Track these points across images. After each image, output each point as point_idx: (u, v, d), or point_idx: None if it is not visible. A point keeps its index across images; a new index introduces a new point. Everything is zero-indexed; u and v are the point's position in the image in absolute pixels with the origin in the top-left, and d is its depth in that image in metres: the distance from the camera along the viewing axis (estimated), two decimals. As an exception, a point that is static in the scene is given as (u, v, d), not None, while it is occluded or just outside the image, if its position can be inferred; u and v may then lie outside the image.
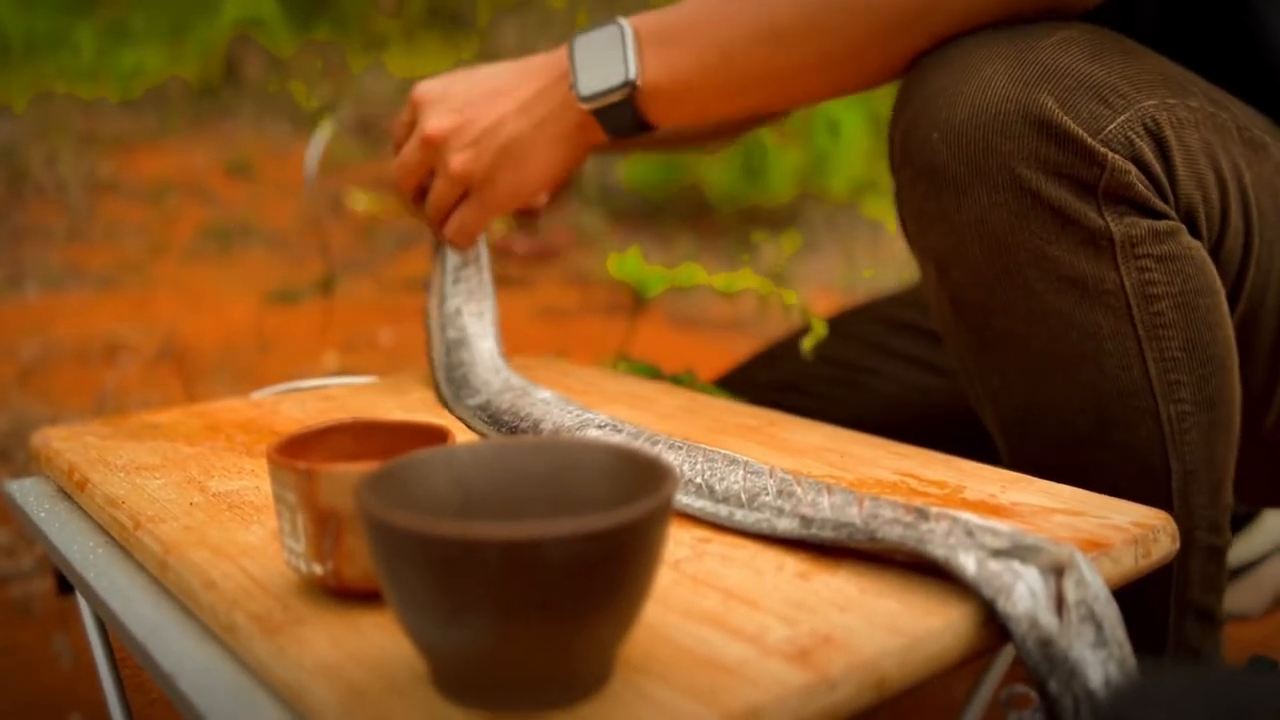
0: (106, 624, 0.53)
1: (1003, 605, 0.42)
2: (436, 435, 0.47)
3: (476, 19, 4.17)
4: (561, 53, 0.71)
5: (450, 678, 0.37)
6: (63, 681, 0.94)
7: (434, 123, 0.72)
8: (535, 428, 0.63)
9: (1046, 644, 0.41)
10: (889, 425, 0.75)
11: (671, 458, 0.56)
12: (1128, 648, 0.42)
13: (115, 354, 1.78)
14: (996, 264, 0.58)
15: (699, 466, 0.55)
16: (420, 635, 0.37)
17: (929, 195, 0.59)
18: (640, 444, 0.59)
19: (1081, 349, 0.58)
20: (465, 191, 0.75)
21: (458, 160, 0.72)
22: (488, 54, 3.83)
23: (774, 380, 0.95)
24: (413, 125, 0.76)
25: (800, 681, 0.38)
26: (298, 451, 0.47)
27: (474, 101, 0.72)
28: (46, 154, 2.95)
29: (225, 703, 0.42)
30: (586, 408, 0.66)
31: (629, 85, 0.67)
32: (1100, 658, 0.41)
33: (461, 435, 0.66)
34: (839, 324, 1.00)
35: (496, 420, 0.67)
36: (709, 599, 0.45)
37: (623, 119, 0.69)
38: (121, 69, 3.80)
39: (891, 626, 0.42)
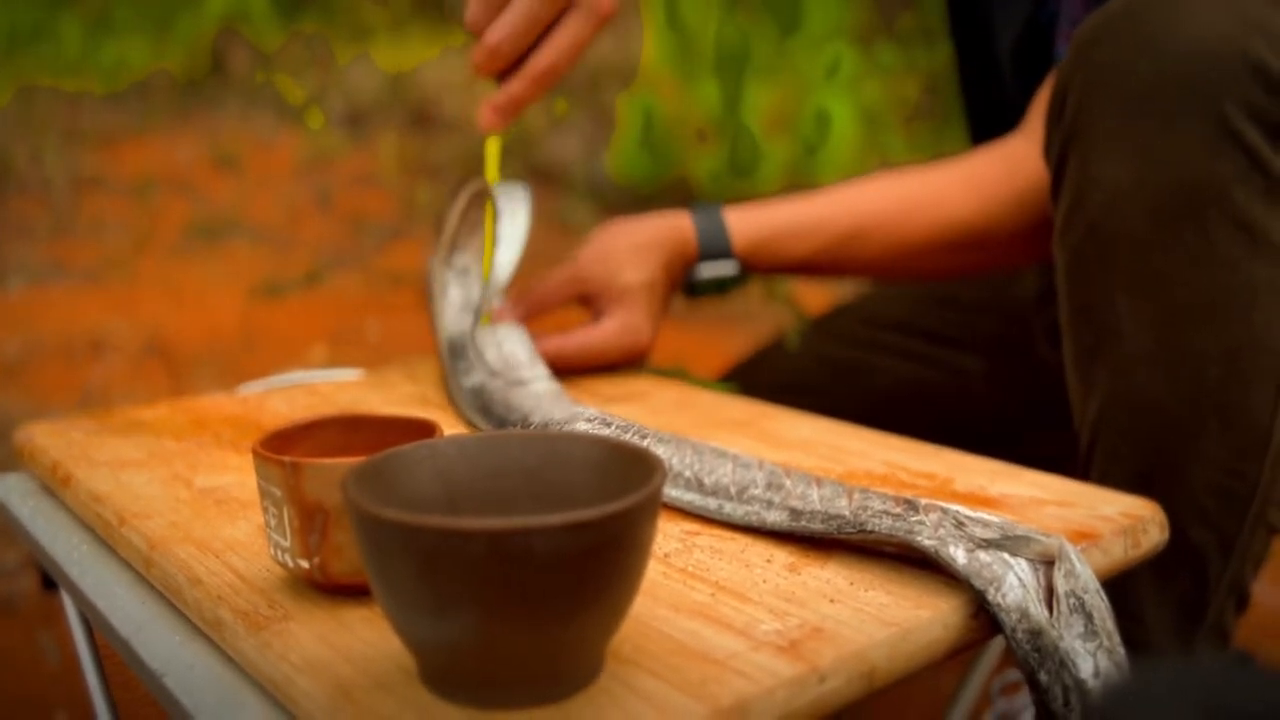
0: (91, 621, 0.53)
1: (993, 596, 0.42)
2: (423, 429, 0.47)
3: (463, 9, 4.15)
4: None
5: (438, 673, 0.37)
6: (48, 679, 0.93)
7: None
8: (525, 421, 0.63)
9: (1036, 635, 0.41)
10: (890, 420, 0.76)
11: (660, 451, 0.56)
12: (1117, 638, 0.42)
13: (100, 350, 1.77)
14: (1180, 197, 0.59)
15: (688, 459, 0.55)
16: (408, 630, 0.36)
17: (1125, 121, 0.60)
18: (629, 437, 0.59)
19: (1237, 298, 0.59)
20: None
21: None
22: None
23: (775, 381, 0.95)
24: None
25: (790, 674, 0.38)
26: (283, 446, 0.46)
27: None
28: (30, 149, 2.93)
29: (211, 699, 0.41)
30: (576, 401, 0.66)
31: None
32: (1090, 648, 0.41)
33: (450, 428, 0.66)
34: (831, 324, 1.00)
35: (487, 410, 0.67)
36: (698, 592, 0.44)
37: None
38: (105, 62, 3.77)
39: (881, 618, 0.42)
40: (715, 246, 0.79)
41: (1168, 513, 0.54)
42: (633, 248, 0.77)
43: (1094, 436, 0.63)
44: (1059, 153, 0.64)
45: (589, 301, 0.79)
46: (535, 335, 0.76)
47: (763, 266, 0.80)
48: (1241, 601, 0.64)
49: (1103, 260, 0.62)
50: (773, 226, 0.79)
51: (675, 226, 0.79)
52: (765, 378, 0.96)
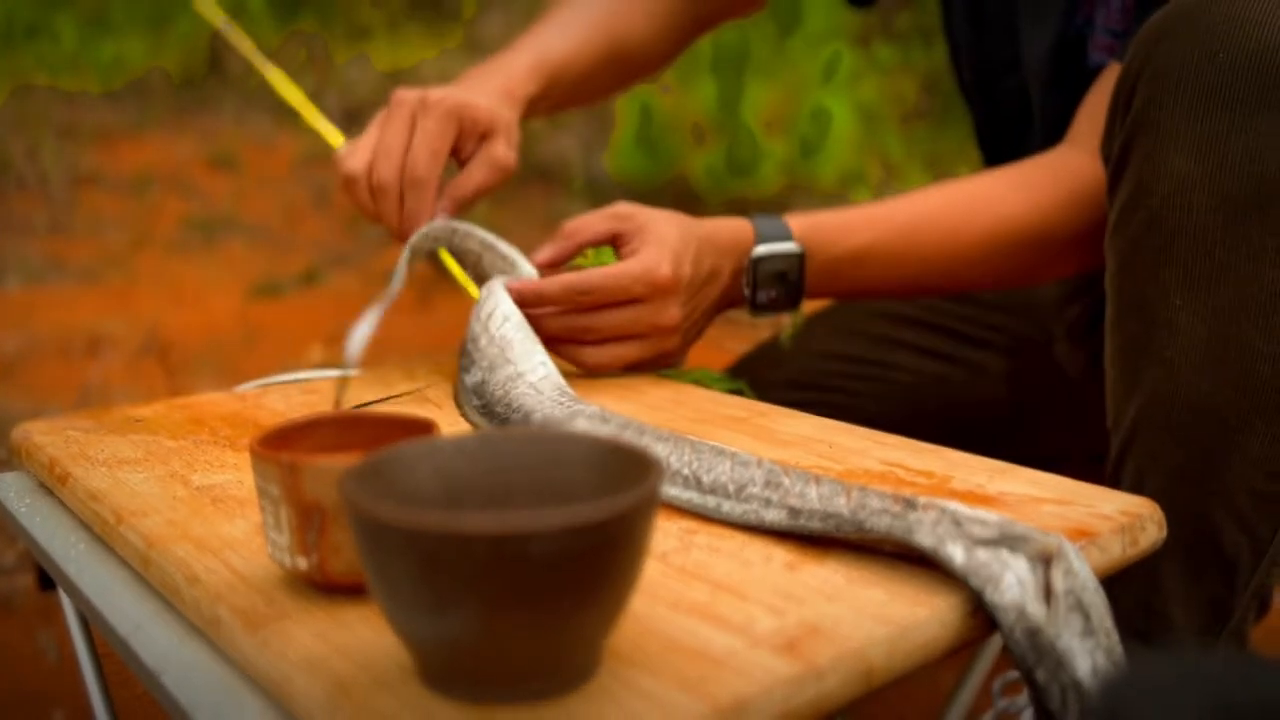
0: (89, 620, 0.53)
1: (990, 594, 0.42)
2: (421, 427, 0.47)
3: (461, 9, 4.15)
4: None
5: (436, 671, 0.37)
6: (46, 678, 0.93)
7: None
8: (526, 419, 0.63)
9: (1034, 633, 0.41)
10: (912, 418, 0.75)
11: (659, 449, 0.56)
12: (1115, 636, 0.42)
13: (98, 348, 1.77)
14: (1256, 192, 0.58)
15: (686, 458, 0.55)
16: (406, 629, 0.36)
17: (1196, 114, 0.59)
18: (628, 435, 0.59)
19: None
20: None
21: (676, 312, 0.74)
22: (472, 45, 3.81)
23: (785, 379, 0.95)
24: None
25: (788, 672, 0.38)
26: (281, 444, 0.46)
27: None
28: (27, 146, 2.92)
29: (209, 698, 0.41)
30: (577, 398, 0.66)
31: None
32: (1088, 647, 0.41)
33: (448, 427, 0.66)
34: (842, 320, 1.00)
35: (489, 410, 0.67)
36: (696, 590, 0.44)
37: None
38: (102, 60, 3.77)
39: (879, 616, 0.42)
40: (771, 229, 0.78)
41: (1204, 514, 0.53)
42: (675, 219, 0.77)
43: (1132, 434, 0.63)
44: (1121, 145, 0.63)
45: (621, 242, 0.77)
46: (553, 272, 0.74)
47: (820, 256, 0.79)
48: (1263, 606, 0.64)
49: (1161, 253, 0.61)
50: (828, 217, 0.79)
51: (728, 217, 0.79)
52: (779, 375, 0.96)
